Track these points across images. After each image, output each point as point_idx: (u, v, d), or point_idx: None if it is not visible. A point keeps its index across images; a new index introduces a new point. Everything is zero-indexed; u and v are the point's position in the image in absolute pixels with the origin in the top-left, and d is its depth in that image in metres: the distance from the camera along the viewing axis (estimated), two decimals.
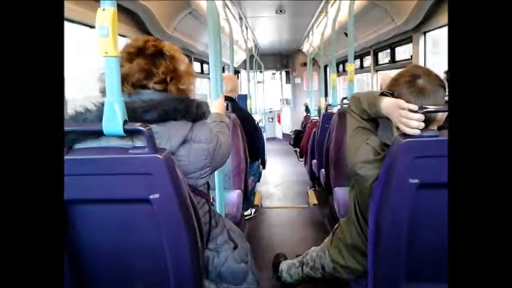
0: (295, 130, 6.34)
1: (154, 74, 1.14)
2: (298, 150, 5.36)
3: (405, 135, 1.08)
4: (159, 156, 0.96)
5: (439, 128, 1.21)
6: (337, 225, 1.65)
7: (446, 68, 1.13)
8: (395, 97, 1.19)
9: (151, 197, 0.98)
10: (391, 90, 1.22)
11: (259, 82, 8.33)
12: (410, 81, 1.18)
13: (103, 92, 1.10)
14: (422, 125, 1.06)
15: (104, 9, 0.90)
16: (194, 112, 1.15)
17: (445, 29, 2.74)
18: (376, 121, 1.32)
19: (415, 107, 1.08)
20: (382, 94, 1.22)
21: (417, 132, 1.06)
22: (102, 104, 1.02)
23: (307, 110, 6.85)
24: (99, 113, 1.02)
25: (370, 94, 1.30)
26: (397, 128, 1.15)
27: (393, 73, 1.29)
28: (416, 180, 1.06)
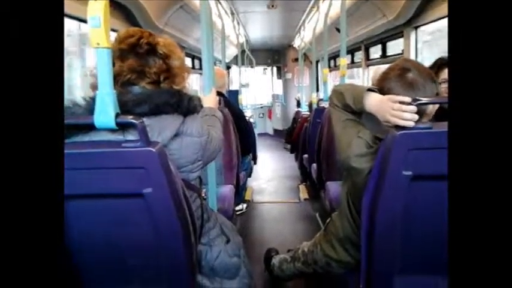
0: (289, 127, 6.32)
1: (147, 75, 1.11)
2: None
3: (399, 127, 1.07)
4: (152, 149, 0.95)
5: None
6: (329, 219, 1.65)
7: None
8: (386, 91, 1.18)
9: (144, 191, 0.97)
10: (381, 85, 1.21)
11: (246, 85, 7.76)
12: (401, 75, 1.17)
13: (94, 88, 1.08)
14: (416, 116, 1.06)
15: None
16: (186, 106, 1.13)
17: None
18: (358, 113, 1.31)
19: (408, 99, 1.07)
20: (370, 90, 1.21)
21: (411, 124, 1.05)
22: (91, 98, 1.00)
23: (298, 104, 6.86)
24: (88, 107, 1.00)
25: (353, 88, 1.28)
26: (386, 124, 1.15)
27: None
28: (410, 172, 1.06)
